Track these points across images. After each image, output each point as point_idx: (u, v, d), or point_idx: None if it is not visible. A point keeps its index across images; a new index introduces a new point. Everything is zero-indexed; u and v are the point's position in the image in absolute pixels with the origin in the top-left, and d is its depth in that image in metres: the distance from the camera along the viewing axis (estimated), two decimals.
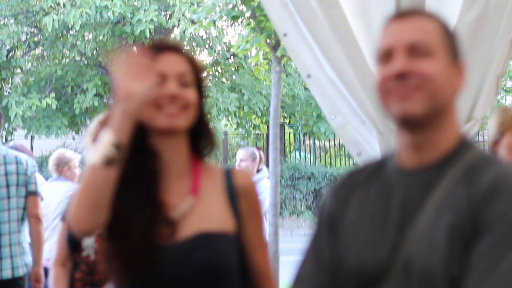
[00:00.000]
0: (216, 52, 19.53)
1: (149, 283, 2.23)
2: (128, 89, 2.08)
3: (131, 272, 2.22)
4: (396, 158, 1.97)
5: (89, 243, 3.62)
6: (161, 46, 2.29)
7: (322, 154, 24.32)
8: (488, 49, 3.61)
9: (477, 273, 1.73)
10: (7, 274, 5.08)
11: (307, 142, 24.77)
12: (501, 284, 1.71)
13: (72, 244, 3.61)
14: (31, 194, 5.29)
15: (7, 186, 5.21)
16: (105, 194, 2.11)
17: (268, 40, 6.47)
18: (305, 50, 3.69)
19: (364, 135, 4.26)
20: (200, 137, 2.32)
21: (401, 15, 1.95)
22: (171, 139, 2.27)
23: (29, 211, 5.26)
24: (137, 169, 2.24)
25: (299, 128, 22.33)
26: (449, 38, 1.94)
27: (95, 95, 18.98)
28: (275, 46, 6.50)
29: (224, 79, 20.09)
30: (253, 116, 20.63)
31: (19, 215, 5.21)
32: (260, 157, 7.93)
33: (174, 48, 2.31)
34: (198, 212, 2.27)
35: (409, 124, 1.89)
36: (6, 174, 5.21)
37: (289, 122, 22.40)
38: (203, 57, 20.69)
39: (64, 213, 3.66)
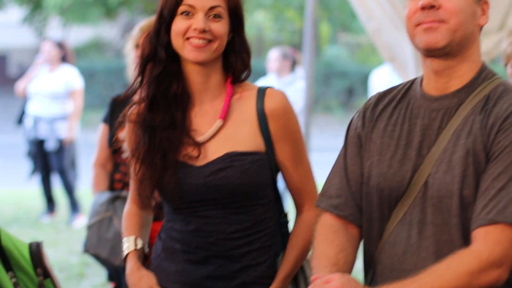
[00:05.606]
0: None
1: (179, 204, 2.39)
2: None
3: (156, 190, 2.40)
4: (421, 84, 2.12)
5: None
6: None
7: (357, 51, 24.22)
8: None
9: (486, 195, 1.92)
10: None
11: (342, 38, 24.63)
12: (509, 204, 1.89)
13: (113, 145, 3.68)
14: None
15: None
16: None
17: None
18: None
19: (397, 40, 4.29)
20: (235, 60, 2.42)
21: None
22: (202, 65, 2.39)
23: None
24: (163, 93, 2.40)
25: (334, 24, 22.14)
26: None
27: None
28: None
29: None
30: (289, 11, 20.47)
31: None
32: (294, 58, 7.91)
33: None
34: (227, 134, 2.39)
35: (432, 54, 2.04)
36: None
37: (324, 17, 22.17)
38: None
39: (106, 115, 3.74)
